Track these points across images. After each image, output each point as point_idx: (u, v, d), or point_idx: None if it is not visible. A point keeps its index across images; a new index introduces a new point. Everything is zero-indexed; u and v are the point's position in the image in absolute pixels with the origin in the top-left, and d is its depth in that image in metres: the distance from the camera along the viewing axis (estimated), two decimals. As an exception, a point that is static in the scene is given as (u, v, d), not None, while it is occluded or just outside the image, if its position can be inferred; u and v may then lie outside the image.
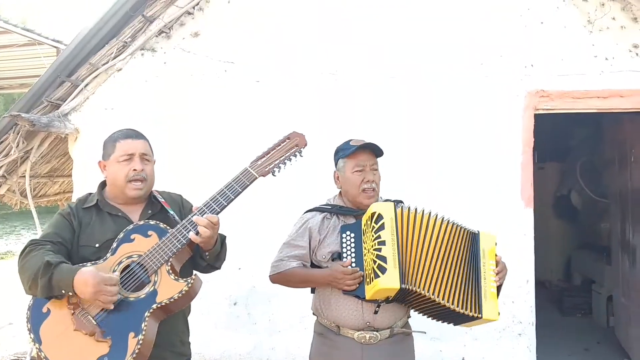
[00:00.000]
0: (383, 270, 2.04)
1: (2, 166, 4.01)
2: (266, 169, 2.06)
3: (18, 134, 3.88)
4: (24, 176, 4.15)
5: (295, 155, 2.11)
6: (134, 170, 2.07)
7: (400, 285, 2.03)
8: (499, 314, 2.14)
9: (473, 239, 2.18)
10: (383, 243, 2.07)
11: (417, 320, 2.32)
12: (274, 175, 2.09)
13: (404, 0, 3.78)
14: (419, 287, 2.05)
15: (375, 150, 2.26)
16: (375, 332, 2.17)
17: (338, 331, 2.21)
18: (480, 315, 2.11)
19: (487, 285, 2.13)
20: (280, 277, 2.29)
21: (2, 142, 3.97)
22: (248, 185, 2.04)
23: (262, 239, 3.61)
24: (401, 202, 2.33)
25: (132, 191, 2.08)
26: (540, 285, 6.10)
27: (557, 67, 3.67)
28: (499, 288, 2.18)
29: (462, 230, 2.17)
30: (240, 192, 2.03)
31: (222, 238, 2.14)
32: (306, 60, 3.83)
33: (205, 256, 2.07)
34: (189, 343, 2.25)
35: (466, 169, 3.71)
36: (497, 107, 3.70)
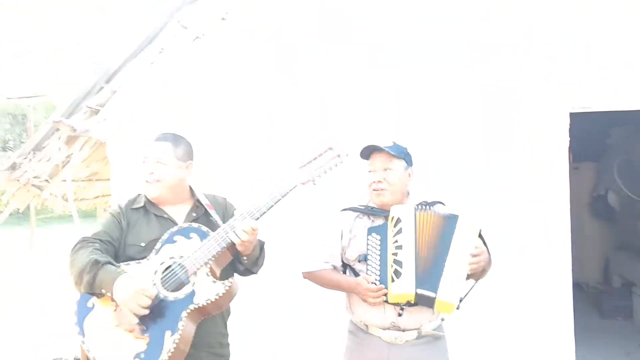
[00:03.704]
0: (398, 275, 2.08)
1: (44, 171, 4.15)
2: (307, 178, 2.10)
3: (60, 139, 4.01)
4: (65, 180, 4.29)
5: (337, 165, 2.13)
6: (145, 172, 2.17)
7: (416, 291, 2.05)
8: (460, 300, 2.07)
9: (452, 220, 2.15)
10: (400, 247, 2.11)
11: (450, 323, 2.32)
12: (315, 184, 2.12)
13: None
14: (433, 291, 2.06)
15: (388, 150, 2.27)
16: (401, 332, 2.19)
17: (367, 329, 2.25)
18: (434, 296, 2.05)
19: (453, 267, 2.07)
20: (310, 276, 2.37)
21: (44, 147, 4.11)
22: (287, 193, 2.08)
23: (289, 241, 3.62)
24: (440, 202, 2.34)
25: (147, 191, 2.19)
26: (578, 287, 6.00)
27: (594, 64, 3.60)
28: (477, 278, 2.15)
29: (445, 216, 2.16)
30: (280, 199, 2.08)
31: (261, 244, 2.20)
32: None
33: (244, 261, 2.13)
34: (228, 344, 2.30)
35: (500, 170, 3.67)
36: (531, 107, 3.65)
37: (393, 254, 2.11)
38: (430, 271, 2.09)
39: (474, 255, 2.09)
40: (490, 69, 3.70)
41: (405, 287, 2.07)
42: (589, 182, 6.65)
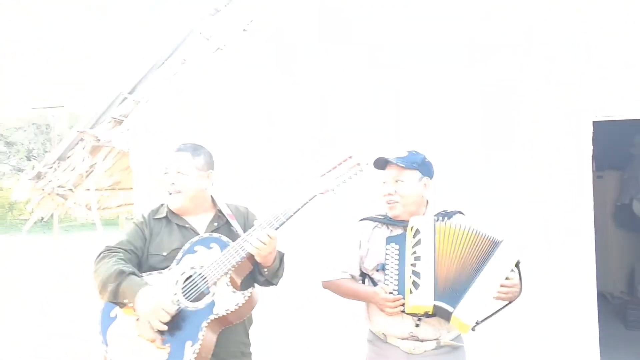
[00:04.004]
0: (417, 286, 2.06)
1: (69, 180, 4.22)
2: (326, 187, 2.09)
3: (84, 149, 4.07)
4: (89, 189, 4.35)
5: (357, 174, 2.12)
6: (167, 183, 2.19)
7: (434, 303, 2.04)
8: (477, 323, 2.05)
9: (493, 246, 2.12)
10: (418, 259, 2.09)
11: (472, 332, 2.30)
12: (335, 193, 2.11)
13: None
14: (450, 305, 2.05)
15: (396, 162, 2.24)
16: (419, 343, 2.19)
17: (385, 339, 2.25)
18: (452, 310, 2.04)
19: (480, 290, 2.04)
20: (329, 285, 2.37)
21: (69, 156, 4.18)
22: (307, 203, 2.07)
23: (309, 251, 3.62)
24: (459, 212, 2.33)
25: (169, 202, 2.21)
26: (602, 298, 5.90)
27: (618, 72, 3.56)
28: (498, 310, 2.13)
29: (486, 237, 2.13)
30: (299, 209, 2.07)
31: (281, 255, 2.20)
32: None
33: (264, 272, 2.13)
34: (250, 353, 2.31)
35: (522, 178, 3.64)
36: (554, 115, 3.62)
37: (412, 264, 2.10)
38: (450, 284, 2.08)
39: (503, 286, 2.08)
40: (512, 76, 3.67)
41: (423, 298, 2.06)
42: (613, 190, 6.55)
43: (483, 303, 2.05)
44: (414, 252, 2.10)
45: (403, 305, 2.11)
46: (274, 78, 3.88)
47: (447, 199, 2.53)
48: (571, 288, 3.57)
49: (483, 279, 2.06)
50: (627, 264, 6.51)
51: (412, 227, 2.15)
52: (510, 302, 2.16)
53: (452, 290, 2.07)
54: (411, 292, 2.07)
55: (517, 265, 2.14)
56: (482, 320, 2.10)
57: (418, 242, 2.11)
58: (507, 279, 2.09)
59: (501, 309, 2.16)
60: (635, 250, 6.52)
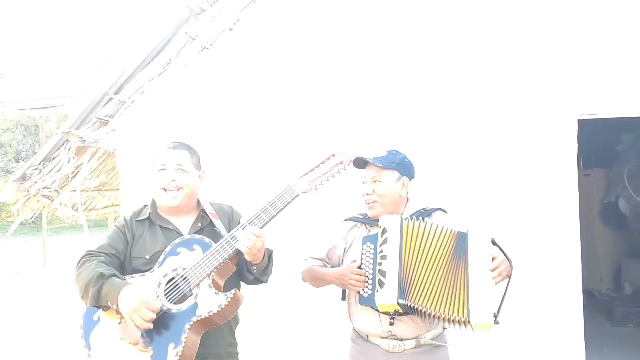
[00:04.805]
0: (382, 284, 2.07)
1: (54, 181, 4.19)
2: (309, 186, 2.09)
3: (69, 149, 4.05)
4: (75, 190, 4.32)
5: (340, 172, 2.12)
6: (166, 179, 2.14)
7: (398, 301, 2.05)
8: (495, 318, 2.04)
9: (462, 239, 2.11)
10: (385, 257, 2.10)
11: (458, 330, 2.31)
12: (317, 191, 2.10)
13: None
14: (417, 303, 2.05)
15: (373, 162, 2.24)
16: (399, 341, 2.20)
17: (367, 338, 2.27)
18: (468, 320, 2.03)
19: (477, 287, 2.04)
20: (304, 275, 2.42)
21: (54, 157, 4.15)
22: (290, 202, 2.07)
23: (296, 249, 3.61)
24: (440, 209, 2.34)
25: (165, 200, 2.16)
26: (589, 294, 5.94)
27: (603, 70, 3.59)
28: (504, 293, 2.12)
29: (452, 232, 2.13)
30: (282, 209, 2.06)
31: (269, 252, 2.19)
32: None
33: (253, 270, 2.12)
34: (237, 354, 2.30)
35: (509, 176, 3.65)
36: (540, 113, 3.64)
37: (379, 263, 2.11)
38: (417, 282, 2.08)
39: (494, 269, 2.07)
40: (497, 74, 3.69)
41: (387, 297, 2.06)
42: (599, 188, 6.60)
43: (488, 296, 2.04)
44: (381, 251, 2.11)
45: (366, 282, 2.12)
46: (262, 78, 3.88)
47: (432, 197, 2.54)
48: (557, 285, 3.59)
49: (474, 276, 2.05)
50: (614, 261, 6.56)
51: (380, 226, 2.16)
52: (510, 278, 2.14)
53: (417, 287, 2.07)
54: (377, 291, 2.08)
55: (494, 243, 2.13)
56: (498, 311, 2.09)
57: (385, 241, 2.12)
58: (493, 259, 2.08)
59: (506, 289, 2.14)
60: (621, 248, 6.58)
